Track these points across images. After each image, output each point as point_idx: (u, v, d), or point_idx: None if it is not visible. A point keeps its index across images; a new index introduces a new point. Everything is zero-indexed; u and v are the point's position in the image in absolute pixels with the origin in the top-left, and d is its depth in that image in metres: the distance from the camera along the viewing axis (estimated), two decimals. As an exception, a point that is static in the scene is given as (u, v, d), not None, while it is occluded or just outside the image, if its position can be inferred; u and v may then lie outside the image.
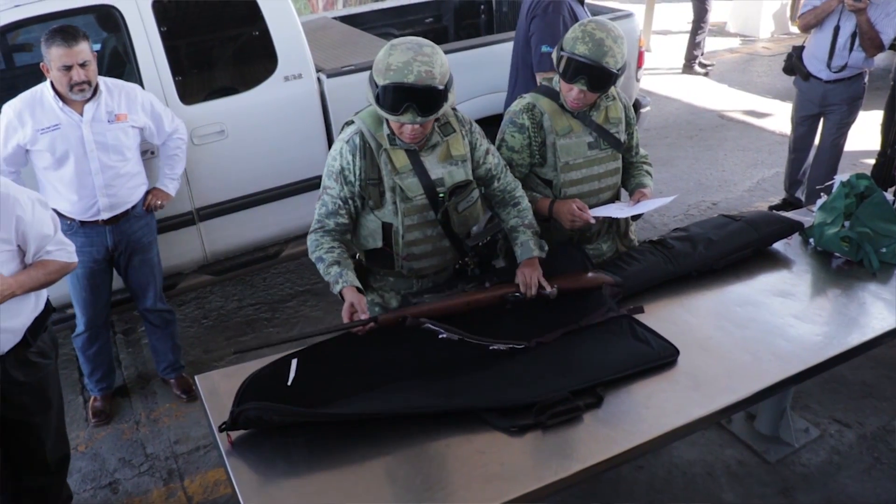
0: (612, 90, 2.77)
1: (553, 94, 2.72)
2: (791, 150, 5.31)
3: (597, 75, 2.53)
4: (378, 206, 2.43)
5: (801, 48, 4.99)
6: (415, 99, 2.19)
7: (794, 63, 4.98)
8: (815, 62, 4.82)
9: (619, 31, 2.58)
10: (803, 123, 5.12)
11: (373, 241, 2.50)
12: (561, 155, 2.70)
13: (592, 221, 2.69)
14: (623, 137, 2.81)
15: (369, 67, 3.94)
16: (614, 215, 2.78)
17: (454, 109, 2.53)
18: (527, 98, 2.75)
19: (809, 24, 4.82)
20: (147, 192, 3.42)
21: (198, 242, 3.92)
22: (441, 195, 2.43)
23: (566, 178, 2.72)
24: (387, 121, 2.35)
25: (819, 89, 4.86)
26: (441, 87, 2.22)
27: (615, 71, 2.54)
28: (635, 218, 2.96)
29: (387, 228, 2.45)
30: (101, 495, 3.22)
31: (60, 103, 3.07)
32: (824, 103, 4.89)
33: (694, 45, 8.71)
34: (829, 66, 4.70)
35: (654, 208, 2.78)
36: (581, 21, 2.63)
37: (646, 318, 2.60)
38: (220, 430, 2.07)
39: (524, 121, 2.69)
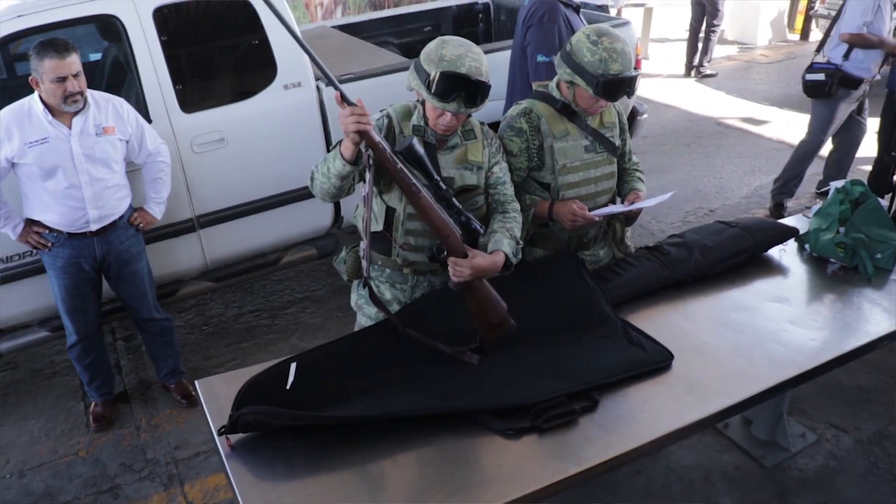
0: None
1: (549, 99, 2.76)
2: (816, 153, 5.38)
3: (629, 83, 2.64)
4: (387, 189, 2.47)
5: (835, 68, 5.02)
6: (465, 89, 2.32)
7: (840, 81, 5.04)
8: (868, 66, 5.00)
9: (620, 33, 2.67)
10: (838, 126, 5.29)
11: (374, 223, 2.53)
12: (558, 158, 2.73)
13: (596, 220, 2.73)
14: (617, 142, 2.86)
15: (368, 76, 4.07)
16: (615, 211, 2.82)
17: (481, 123, 2.61)
18: (524, 103, 2.80)
19: (858, 47, 4.96)
20: (134, 210, 3.43)
21: (198, 249, 3.93)
22: None
23: (564, 180, 2.75)
24: (421, 110, 2.45)
25: (864, 88, 5.10)
26: (488, 84, 2.36)
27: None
28: (630, 222, 2.98)
29: (390, 213, 2.50)
30: (102, 500, 3.24)
31: (49, 117, 3.07)
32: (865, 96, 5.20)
33: (706, 48, 8.81)
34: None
35: (653, 204, 2.84)
36: (588, 36, 2.61)
37: (642, 323, 2.63)
38: (220, 433, 2.09)
39: (522, 125, 2.73)
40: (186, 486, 3.29)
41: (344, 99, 2.16)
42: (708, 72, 8.89)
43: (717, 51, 9.33)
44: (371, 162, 2.24)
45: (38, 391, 3.94)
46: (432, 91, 2.32)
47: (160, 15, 3.62)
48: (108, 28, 3.71)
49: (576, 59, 2.62)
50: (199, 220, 3.87)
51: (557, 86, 2.75)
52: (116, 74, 3.79)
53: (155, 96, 3.59)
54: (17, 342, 3.64)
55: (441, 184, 2.32)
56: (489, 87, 2.37)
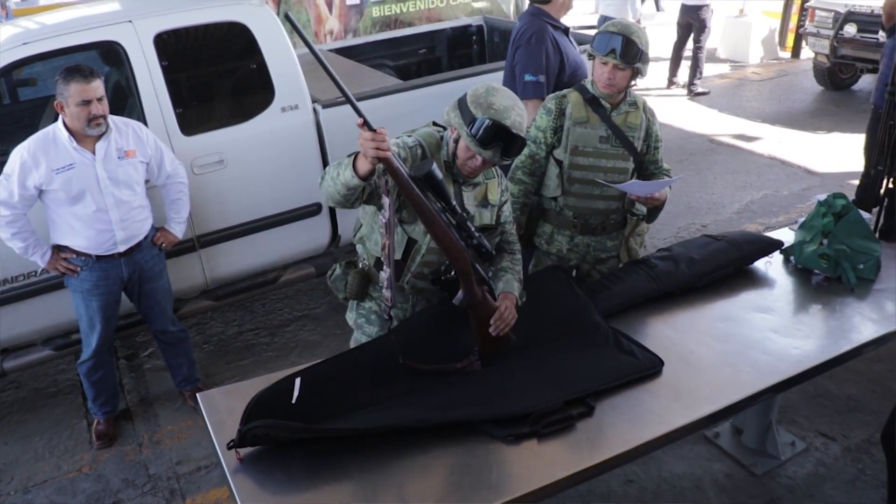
0: (638, 100, 3.08)
1: (583, 90, 3.06)
2: None
3: (625, 46, 2.86)
4: (411, 220, 2.48)
5: None
6: (505, 140, 2.35)
7: None
8: None
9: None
10: None
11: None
12: (571, 139, 3.00)
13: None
14: (639, 144, 3.05)
15: (364, 98, 4.16)
16: (628, 190, 2.99)
17: None
18: (564, 91, 3.13)
19: None
20: (155, 230, 3.53)
21: (198, 269, 4.01)
22: None
23: (573, 160, 3.01)
24: (452, 147, 2.46)
25: None
26: (525, 140, 2.44)
27: (641, 47, 2.89)
28: (652, 218, 3.17)
29: (411, 243, 2.53)
30: (105, 516, 3.31)
31: (74, 143, 3.15)
32: None
33: (696, 67, 8.93)
34: None
35: (664, 186, 3.01)
36: None
37: (630, 333, 2.70)
38: (229, 447, 2.13)
39: (552, 105, 3.06)
40: (188, 500, 3.34)
41: (366, 124, 2.15)
42: (700, 90, 9.00)
43: (710, 69, 9.46)
44: (388, 187, 2.25)
45: (41, 409, 4.00)
46: (475, 135, 2.34)
47: (160, 41, 3.72)
48: (110, 54, 3.80)
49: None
50: (200, 240, 3.94)
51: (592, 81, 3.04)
52: (118, 99, 3.87)
53: (156, 120, 3.68)
54: (21, 361, 3.70)
55: (457, 208, 2.36)
56: (525, 143, 2.44)
